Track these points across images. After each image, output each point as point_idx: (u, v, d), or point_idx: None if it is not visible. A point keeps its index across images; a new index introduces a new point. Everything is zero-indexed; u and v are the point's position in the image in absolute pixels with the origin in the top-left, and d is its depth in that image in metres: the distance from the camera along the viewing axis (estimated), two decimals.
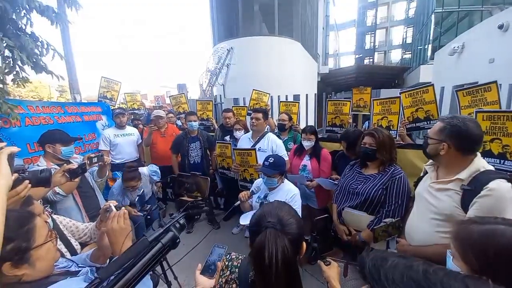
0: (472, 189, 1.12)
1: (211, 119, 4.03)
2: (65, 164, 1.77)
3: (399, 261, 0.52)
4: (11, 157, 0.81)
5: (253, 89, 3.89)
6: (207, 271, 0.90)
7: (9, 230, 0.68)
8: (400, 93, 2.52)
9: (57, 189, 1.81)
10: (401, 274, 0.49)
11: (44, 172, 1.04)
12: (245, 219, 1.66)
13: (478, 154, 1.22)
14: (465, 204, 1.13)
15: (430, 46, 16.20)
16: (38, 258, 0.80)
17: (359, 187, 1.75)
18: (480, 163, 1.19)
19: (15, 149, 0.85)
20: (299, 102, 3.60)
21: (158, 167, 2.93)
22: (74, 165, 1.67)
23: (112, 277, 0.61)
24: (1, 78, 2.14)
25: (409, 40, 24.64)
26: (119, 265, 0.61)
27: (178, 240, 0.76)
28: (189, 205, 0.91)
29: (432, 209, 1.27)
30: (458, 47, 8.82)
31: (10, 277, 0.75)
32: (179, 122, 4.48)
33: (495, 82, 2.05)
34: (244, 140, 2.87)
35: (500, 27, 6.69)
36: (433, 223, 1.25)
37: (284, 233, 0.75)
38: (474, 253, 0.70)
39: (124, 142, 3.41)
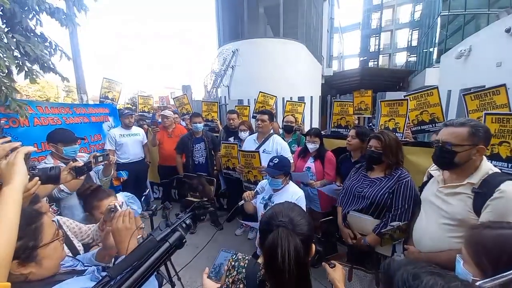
0: (484, 192, 1.11)
1: (215, 120, 4.05)
2: (71, 162, 1.79)
3: (436, 282, 0.47)
4: (27, 157, 0.83)
5: (260, 91, 3.88)
6: (214, 274, 0.91)
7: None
8: (404, 97, 2.51)
9: (62, 187, 1.82)
10: None
11: (53, 169, 1.05)
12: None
13: (484, 157, 1.21)
14: (477, 208, 1.12)
15: (436, 49, 16.09)
16: (45, 256, 0.80)
17: (364, 190, 1.73)
18: (488, 166, 1.19)
19: (31, 148, 0.87)
20: (305, 103, 3.60)
21: (133, 196, 2.16)
22: (80, 163, 1.69)
23: (121, 275, 0.61)
24: (5, 75, 2.14)
25: (414, 43, 24.52)
26: (129, 264, 0.62)
27: (185, 240, 0.76)
28: (195, 205, 0.91)
29: (443, 214, 1.25)
30: (465, 50, 8.76)
31: (16, 275, 0.74)
32: (183, 123, 4.52)
33: (504, 85, 2.02)
34: (249, 142, 2.87)
35: (508, 30, 6.63)
36: (445, 228, 1.23)
37: (296, 233, 0.75)
38: (487, 257, 0.70)
39: (129, 142, 3.46)
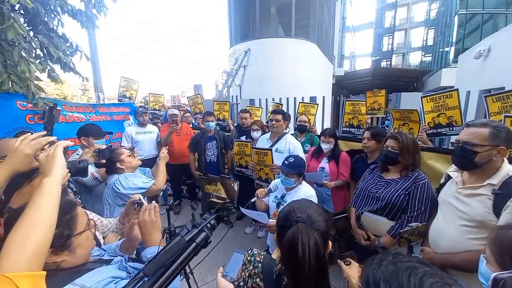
0: (504, 193, 1.10)
1: (227, 120, 4.10)
2: (95, 145, 1.90)
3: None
4: (65, 151, 0.87)
5: (271, 102, 3.93)
6: (228, 274, 0.94)
7: None
8: (421, 98, 2.45)
9: (96, 174, 1.95)
10: None
11: (82, 162, 1.10)
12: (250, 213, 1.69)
13: (505, 159, 1.20)
14: (497, 209, 1.11)
15: (452, 48, 15.58)
16: (78, 245, 0.84)
17: (379, 191, 1.71)
18: (509, 168, 1.18)
19: (69, 143, 0.92)
20: (318, 104, 3.59)
21: None
22: (103, 146, 1.79)
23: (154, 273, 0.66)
24: (31, 75, 2.24)
25: (429, 42, 23.83)
26: (162, 262, 0.67)
27: (210, 240, 0.80)
28: (219, 207, 0.95)
29: (461, 216, 1.24)
30: (484, 50, 8.42)
31: (49, 264, 0.76)
32: (194, 122, 4.59)
33: None
34: (263, 141, 2.89)
35: None
36: (463, 230, 1.22)
37: (314, 228, 0.77)
38: (511, 257, 0.70)
39: (144, 140, 3.55)
